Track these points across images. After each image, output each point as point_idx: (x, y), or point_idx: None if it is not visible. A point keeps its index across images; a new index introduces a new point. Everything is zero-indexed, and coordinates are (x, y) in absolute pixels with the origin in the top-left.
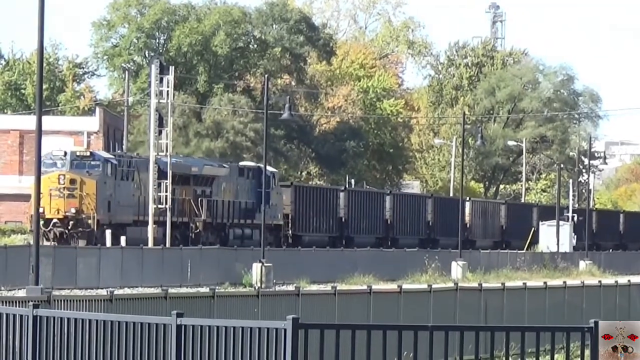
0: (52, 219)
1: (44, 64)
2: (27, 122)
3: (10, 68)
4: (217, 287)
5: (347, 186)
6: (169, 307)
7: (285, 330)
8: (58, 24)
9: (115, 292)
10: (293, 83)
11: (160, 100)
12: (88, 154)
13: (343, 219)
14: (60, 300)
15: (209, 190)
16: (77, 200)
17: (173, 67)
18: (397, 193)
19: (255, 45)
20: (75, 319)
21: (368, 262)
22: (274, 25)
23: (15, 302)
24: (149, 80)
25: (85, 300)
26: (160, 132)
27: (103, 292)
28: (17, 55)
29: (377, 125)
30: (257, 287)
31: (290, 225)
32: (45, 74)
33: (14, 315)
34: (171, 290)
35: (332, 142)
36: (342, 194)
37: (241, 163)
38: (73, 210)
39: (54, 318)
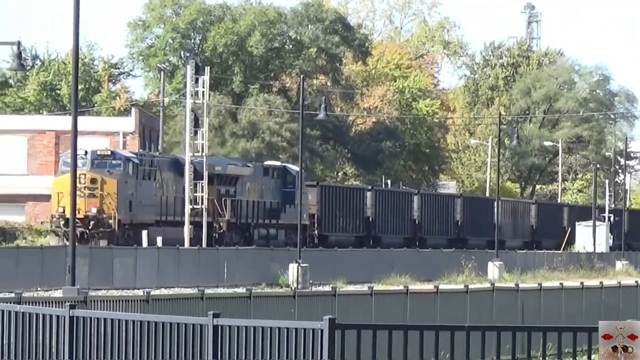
0: None
1: (80, 65)
2: (63, 122)
3: (45, 68)
4: (253, 288)
5: (382, 185)
6: (205, 308)
7: (322, 330)
8: (93, 25)
9: (152, 293)
10: (329, 83)
11: (196, 101)
12: (109, 153)
13: (370, 219)
14: (97, 301)
15: (233, 190)
16: (97, 200)
17: (208, 67)
18: (426, 193)
19: (291, 46)
20: (112, 320)
21: (404, 262)
22: (310, 26)
23: (52, 302)
24: (184, 80)
25: (122, 301)
26: (195, 133)
27: (139, 292)
28: (52, 55)
29: (413, 125)
30: (293, 288)
31: (316, 225)
32: (81, 75)
33: (51, 316)
34: (207, 291)
35: (368, 142)
36: (369, 194)
37: (266, 162)
38: (94, 210)
39: (91, 318)
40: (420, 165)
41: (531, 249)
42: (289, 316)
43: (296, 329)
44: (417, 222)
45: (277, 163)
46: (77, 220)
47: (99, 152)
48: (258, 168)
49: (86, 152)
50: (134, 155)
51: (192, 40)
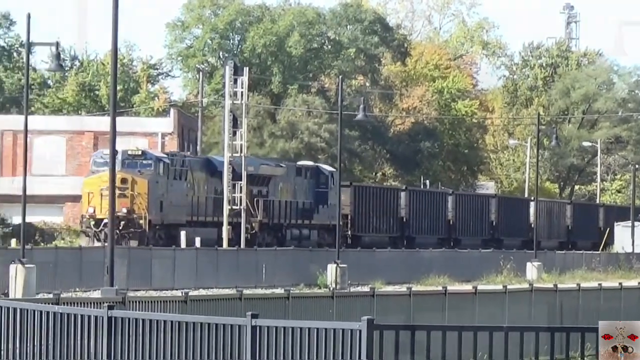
0: (103, 219)
1: (118, 65)
2: (102, 123)
3: (84, 69)
4: (291, 288)
5: (421, 185)
6: (243, 308)
7: (360, 331)
8: (132, 25)
9: (190, 293)
10: (367, 84)
11: (235, 102)
12: (140, 153)
13: (404, 219)
14: (135, 302)
15: (266, 190)
16: (128, 200)
17: (247, 68)
18: (460, 193)
19: (330, 46)
20: (150, 320)
21: (442, 263)
22: (348, 26)
23: (91, 303)
24: (223, 81)
25: (160, 301)
26: (234, 133)
27: (178, 293)
28: (91, 56)
29: (451, 126)
30: (332, 288)
31: (349, 225)
32: (120, 75)
33: (89, 317)
34: (246, 292)
35: (407, 142)
36: (402, 194)
37: (299, 162)
38: (124, 210)
39: (129, 319)
40: (459, 166)
41: (567, 249)
42: (328, 317)
43: (334, 330)
44: (451, 222)
45: (310, 163)
46: (108, 220)
47: (129, 152)
48: (291, 168)
49: (117, 152)
50: (164, 156)
51: (231, 41)
